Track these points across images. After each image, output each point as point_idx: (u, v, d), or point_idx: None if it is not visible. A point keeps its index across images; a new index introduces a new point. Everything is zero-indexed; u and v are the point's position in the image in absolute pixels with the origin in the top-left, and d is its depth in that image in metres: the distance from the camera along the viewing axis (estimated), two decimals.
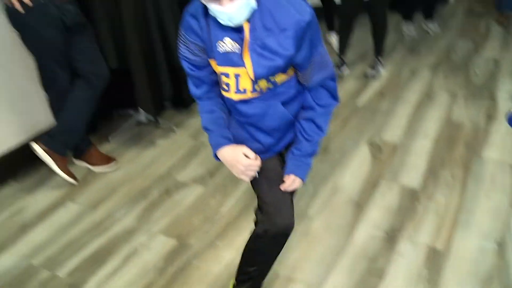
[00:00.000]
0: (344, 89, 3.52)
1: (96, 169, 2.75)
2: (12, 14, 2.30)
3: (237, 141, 1.50)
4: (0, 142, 2.67)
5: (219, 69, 1.37)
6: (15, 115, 2.73)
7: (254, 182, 1.56)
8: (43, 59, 2.44)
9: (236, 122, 1.52)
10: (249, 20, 1.26)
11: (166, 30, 2.82)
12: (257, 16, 1.25)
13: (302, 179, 1.52)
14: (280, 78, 1.38)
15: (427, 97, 3.34)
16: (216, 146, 1.46)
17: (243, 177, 1.45)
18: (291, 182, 1.51)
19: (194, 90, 1.49)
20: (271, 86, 1.38)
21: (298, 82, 1.45)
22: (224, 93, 1.42)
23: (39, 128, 2.83)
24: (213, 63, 1.39)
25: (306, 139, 1.48)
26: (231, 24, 1.24)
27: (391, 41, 4.13)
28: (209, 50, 1.36)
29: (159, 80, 2.89)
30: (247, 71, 1.31)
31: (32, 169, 2.77)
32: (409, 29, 4.46)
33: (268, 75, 1.33)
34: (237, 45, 1.30)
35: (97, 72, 2.55)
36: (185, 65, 1.45)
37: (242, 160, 1.40)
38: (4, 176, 2.70)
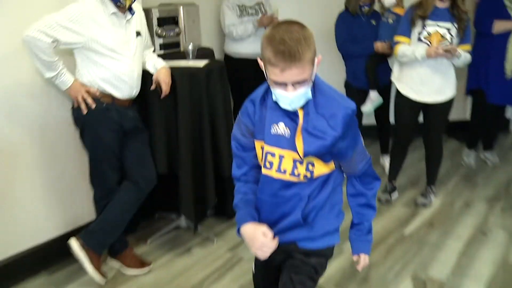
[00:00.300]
0: (391, 215, 3.40)
1: (129, 271, 2.71)
2: (76, 113, 2.46)
3: None
4: (41, 233, 2.72)
5: (267, 148, 1.51)
6: (60, 208, 2.80)
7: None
8: (97, 158, 2.53)
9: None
10: (303, 107, 1.44)
11: (218, 139, 2.90)
12: (311, 104, 1.45)
13: (368, 254, 1.69)
14: (318, 170, 1.51)
15: (481, 234, 3.15)
16: (240, 222, 1.57)
17: (258, 254, 1.52)
18: (362, 260, 1.68)
19: (235, 171, 1.65)
20: (308, 175, 1.50)
21: (326, 184, 1.55)
22: (265, 170, 1.55)
23: (79, 223, 2.87)
24: (259, 144, 1.54)
25: (367, 220, 1.65)
26: (289, 108, 1.42)
27: (445, 169, 4.02)
28: (258, 132, 1.53)
29: (205, 188, 2.92)
30: (297, 150, 1.45)
31: (65, 262, 2.75)
32: (469, 158, 4.33)
33: (315, 153, 1.46)
34: (288, 130, 1.47)
35: (145, 176, 2.62)
36: (233, 144, 1.62)
37: (259, 237, 1.49)
38: (38, 267, 2.71)
